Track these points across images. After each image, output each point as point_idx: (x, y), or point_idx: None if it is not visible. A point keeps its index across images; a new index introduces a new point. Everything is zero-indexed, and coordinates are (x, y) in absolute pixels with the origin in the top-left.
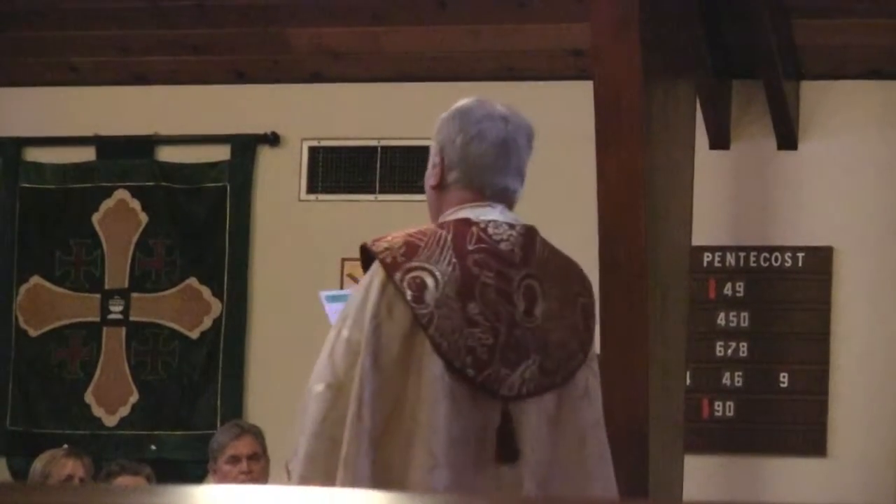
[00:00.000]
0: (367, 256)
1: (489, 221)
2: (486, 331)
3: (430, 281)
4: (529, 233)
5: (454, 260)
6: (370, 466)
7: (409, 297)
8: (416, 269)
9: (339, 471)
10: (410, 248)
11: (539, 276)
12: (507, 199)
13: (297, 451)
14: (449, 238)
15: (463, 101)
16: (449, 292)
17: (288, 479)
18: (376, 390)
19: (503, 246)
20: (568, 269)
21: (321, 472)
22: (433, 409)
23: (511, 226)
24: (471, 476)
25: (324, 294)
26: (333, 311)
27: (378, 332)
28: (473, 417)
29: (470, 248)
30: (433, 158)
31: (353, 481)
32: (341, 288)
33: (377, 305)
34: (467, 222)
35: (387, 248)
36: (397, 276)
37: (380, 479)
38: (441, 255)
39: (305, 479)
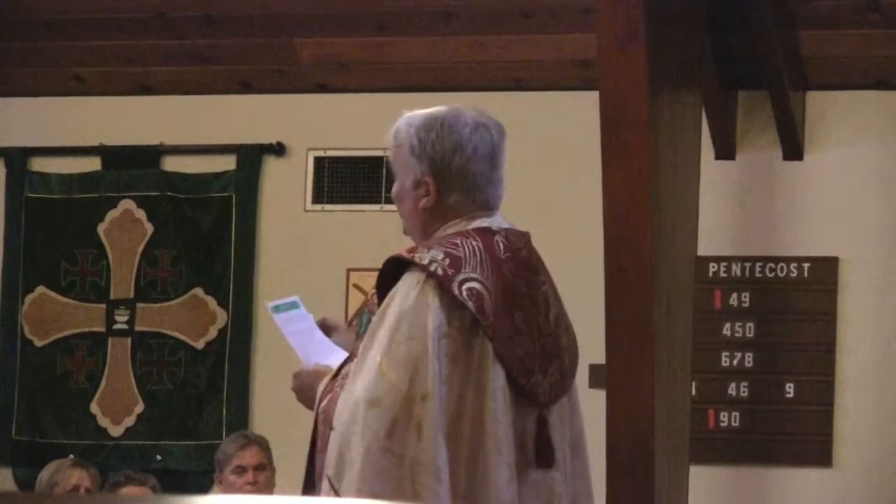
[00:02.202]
0: (395, 267)
1: (506, 230)
2: (528, 339)
3: (484, 292)
4: (530, 238)
5: (494, 269)
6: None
7: (473, 309)
8: (468, 280)
9: (418, 488)
10: (453, 259)
11: (548, 281)
12: (498, 206)
13: (353, 465)
14: (481, 247)
15: (434, 112)
16: (500, 302)
17: (334, 491)
18: (444, 404)
19: (524, 253)
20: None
21: (391, 488)
22: (500, 419)
23: (521, 233)
24: (518, 483)
25: (270, 305)
26: (283, 320)
27: (441, 344)
28: (517, 424)
29: (502, 257)
30: (419, 177)
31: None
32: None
33: (438, 317)
34: (489, 231)
35: (432, 260)
36: (454, 287)
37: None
38: (481, 265)
39: (376, 495)
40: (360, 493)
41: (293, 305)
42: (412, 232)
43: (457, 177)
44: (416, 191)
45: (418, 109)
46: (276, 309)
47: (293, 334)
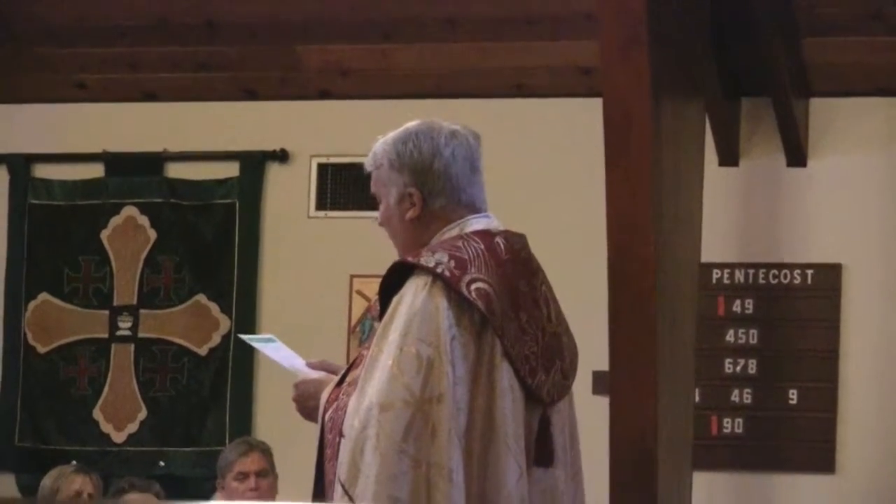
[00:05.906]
0: (398, 272)
1: (504, 231)
2: (532, 339)
3: (491, 292)
4: (527, 240)
5: (498, 270)
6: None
7: (483, 309)
8: (475, 280)
9: (432, 490)
10: (459, 261)
11: (546, 283)
12: (485, 208)
13: (367, 470)
14: (483, 249)
15: (408, 126)
16: (506, 302)
17: (348, 497)
18: (461, 406)
19: (523, 254)
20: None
21: (407, 491)
22: (510, 417)
23: (519, 234)
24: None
25: (248, 338)
26: (271, 350)
27: (454, 345)
28: (525, 423)
29: (504, 258)
30: (402, 190)
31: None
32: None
33: (448, 318)
34: (488, 233)
35: (438, 262)
36: (462, 288)
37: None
38: (486, 266)
39: (393, 498)
40: (377, 497)
41: (269, 340)
42: (405, 244)
43: (439, 180)
44: (401, 205)
45: (413, 120)
46: (257, 341)
47: (277, 358)
